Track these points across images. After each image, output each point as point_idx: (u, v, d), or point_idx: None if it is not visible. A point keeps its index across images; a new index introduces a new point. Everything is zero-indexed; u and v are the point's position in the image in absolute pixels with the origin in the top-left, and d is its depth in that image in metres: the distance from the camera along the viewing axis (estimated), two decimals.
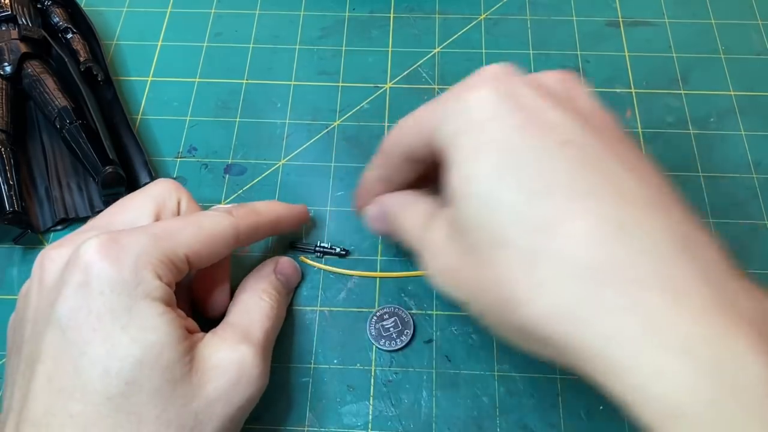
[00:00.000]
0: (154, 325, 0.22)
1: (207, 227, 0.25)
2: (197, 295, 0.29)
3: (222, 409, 0.23)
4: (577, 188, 0.19)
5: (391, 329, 0.30)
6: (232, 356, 0.24)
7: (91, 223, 0.26)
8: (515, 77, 0.22)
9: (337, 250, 0.32)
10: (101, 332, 0.22)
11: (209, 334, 0.25)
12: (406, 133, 0.25)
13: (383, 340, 0.30)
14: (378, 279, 0.32)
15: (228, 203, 0.34)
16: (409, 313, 0.30)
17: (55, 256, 0.24)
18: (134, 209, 0.26)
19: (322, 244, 0.32)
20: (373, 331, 0.30)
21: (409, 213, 0.26)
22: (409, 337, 0.30)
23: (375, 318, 0.30)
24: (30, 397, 0.22)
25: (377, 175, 0.28)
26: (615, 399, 0.17)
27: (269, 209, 0.29)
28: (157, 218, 0.26)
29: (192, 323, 0.25)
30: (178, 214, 0.27)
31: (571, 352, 0.18)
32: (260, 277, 0.29)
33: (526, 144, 0.20)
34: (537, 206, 0.19)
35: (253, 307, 0.28)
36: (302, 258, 0.32)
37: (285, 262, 0.31)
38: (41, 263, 0.24)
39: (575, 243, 0.18)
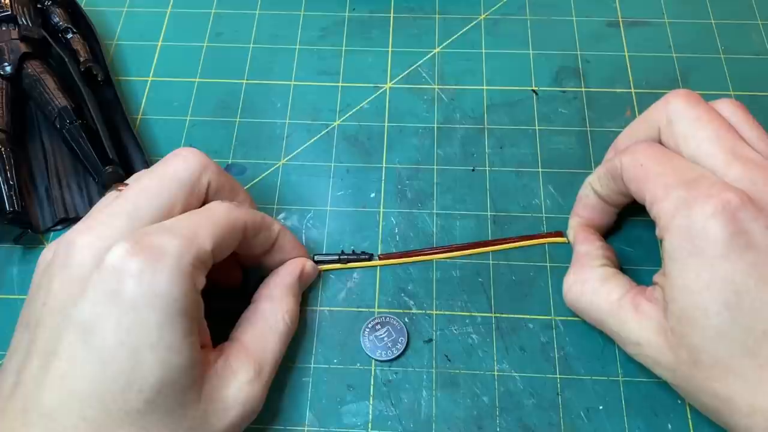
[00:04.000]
0: (180, 348, 0.22)
1: (223, 219, 0.25)
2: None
3: None
4: None
5: (385, 338, 0.30)
6: (242, 396, 0.25)
7: (117, 205, 0.24)
8: (746, 202, 0.23)
9: (362, 254, 0.32)
10: (128, 347, 0.21)
11: (221, 360, 0.25)
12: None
13: (379, 351, 0.29)
14: (378, 279, 0.32)
15: None
16: (401, 321, 0.30)
17: (86, 244, 0.23)
18: (164, 197, 0.25)
19: (346, 253, 0.32)
20: (367, 343, 0.30)
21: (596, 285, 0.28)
22: (404, 345, 0.29)
23: (367, 330, 0.30)
24: (43, 389, 0.21)
25: (604, 185, 0.29)
26: None
27: (274, 223, 0.29)
28: (187, 206, 0.25)
29: (206, 335, 0.25)
30: (207, 195, 0.27)
31: None
32: (286, 287, 0.29)
33: (758, 289, 0.22)
34: (765, 347, 0.22)
35: (271, 329, 0.27)
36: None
37: (311, 269, 0.30)
38: (68, 250, 0.23)
39: None
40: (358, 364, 0.29)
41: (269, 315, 0.28)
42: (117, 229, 0.23)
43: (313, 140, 0.36)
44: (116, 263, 0.22)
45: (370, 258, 0.32)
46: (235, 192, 0.28)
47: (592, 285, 0.28)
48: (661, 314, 0.25)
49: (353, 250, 0.32)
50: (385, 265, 0.32)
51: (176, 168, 0.26)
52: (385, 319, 0.30)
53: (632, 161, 0.26)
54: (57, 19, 0.38)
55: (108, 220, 0.24)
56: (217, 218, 0.25)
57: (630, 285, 0.27)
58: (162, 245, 0.22)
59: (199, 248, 0.23)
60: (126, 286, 0.22)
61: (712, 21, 0.40)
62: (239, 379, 0.25)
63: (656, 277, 0.26)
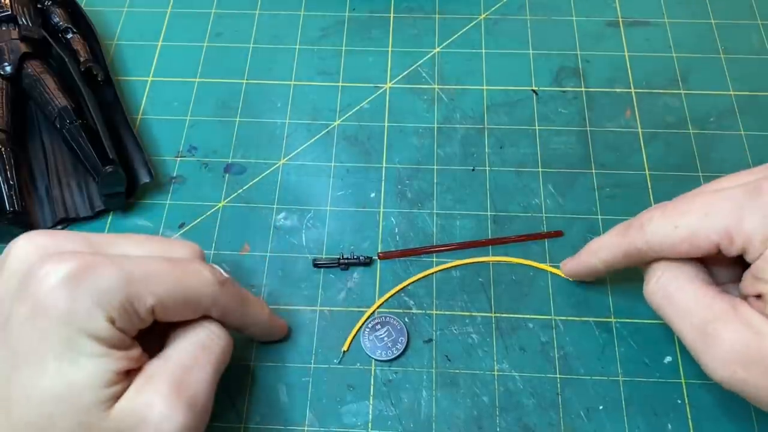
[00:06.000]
0: (84, 364, 0.21)
1: (186, 285, 0.24)
2: None
3: None
4: None
5: (385, 338, 0.30)
6: (155, 422, 0.22)
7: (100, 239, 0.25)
8: None
9: (362, 259, 0.32)
10: (34, 356, 0.21)
11: (141, 378, 0.23)
12: (685, 233, 0.24)
13: (379, 351, 0.29)
14: (378, 279, 0.32)
15: (228, 202, 0.34)
16: (401, 321, 0.30)
17: (40, 244, 0.23)
18: (145, 248, 0.25)
19: (345, 256, 0.32)
20: (367, 342, 0.30)
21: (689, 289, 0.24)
22: (404, 345, 0.30)
23: (367, 330, 0.30)
24: None
25: (615, 263, 0.27)
26: None
27: (256, 307, 0.27)
28: None
29: (141, 362, 0.24)
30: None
31: None
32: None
33: None
34: None
35: (198, 346, 0.25)
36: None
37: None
38: (11, 247, 0.23)
39: None
40: (358, 364, 0.29)
41: (197, 333, 0.25)
42: (73, 242, 0.24)
43: (313, 140, 0.36)
44: (48, 280, 0.21)
45: (370, 262, 0.32)
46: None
47: (689, 271, 0.25)
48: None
49: (353, 252, 0.32)
50: (384, 259, 0.32)
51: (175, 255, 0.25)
52: (385, 319, 0.30)
53: (666, 228, 0.24)
54: (57, 19, 0.38)
55: (68, 237, 0.24)
56: (181, 282, 0.24)
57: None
58: (95, 277, 0.22)
59: (134, 294, 0.22)
60: (48, 301, 0.21)
61: (712, 21, 0.40)
62: (160, 401, 0.22)
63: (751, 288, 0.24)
